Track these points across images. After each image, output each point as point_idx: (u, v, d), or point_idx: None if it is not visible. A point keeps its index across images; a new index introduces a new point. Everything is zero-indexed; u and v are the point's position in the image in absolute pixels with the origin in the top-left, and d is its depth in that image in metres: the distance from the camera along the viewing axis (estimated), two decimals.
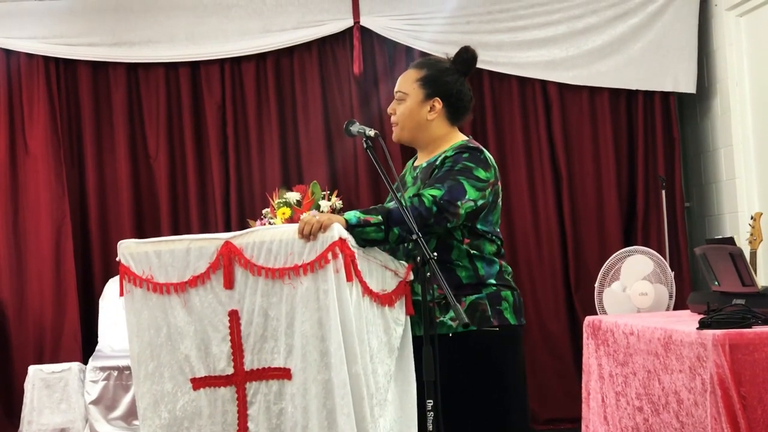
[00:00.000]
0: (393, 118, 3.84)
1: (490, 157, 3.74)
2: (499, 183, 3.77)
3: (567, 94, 8.00)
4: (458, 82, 3.83)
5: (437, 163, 3.72)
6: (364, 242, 3.38)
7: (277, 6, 7.83)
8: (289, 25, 7.83)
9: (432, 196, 3.51)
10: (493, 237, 3.72)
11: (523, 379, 3.80)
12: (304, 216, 3.26)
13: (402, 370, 3.47)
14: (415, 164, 3.91)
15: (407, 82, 3.81)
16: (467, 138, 3.84)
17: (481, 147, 3.75)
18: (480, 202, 3.61)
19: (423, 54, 7.75)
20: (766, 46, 7.08)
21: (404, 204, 3.37)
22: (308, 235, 3.18)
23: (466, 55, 3.86)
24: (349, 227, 3.32)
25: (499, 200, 3.77)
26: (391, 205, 3.51)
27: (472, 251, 3.65)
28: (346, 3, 7.81)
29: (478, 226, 3.67)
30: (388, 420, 3.35)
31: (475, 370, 3.58)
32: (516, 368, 3.75)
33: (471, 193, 3.57)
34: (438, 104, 3.79)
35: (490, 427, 3.65)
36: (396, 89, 3.84)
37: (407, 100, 3.80)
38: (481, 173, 3.65)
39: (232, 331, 3.18)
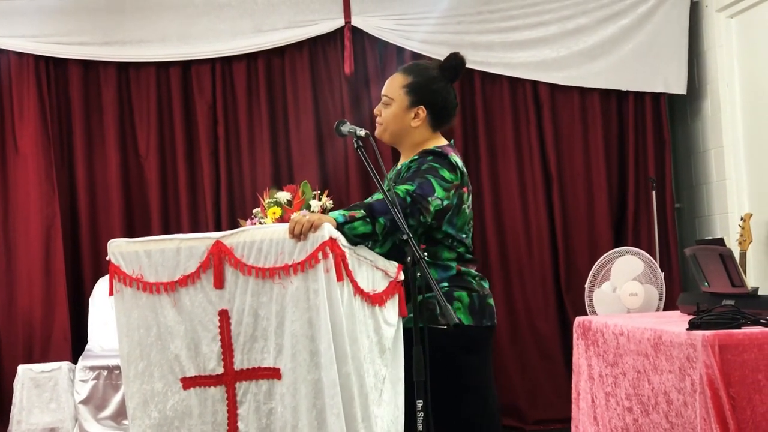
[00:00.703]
0: (378, 119, 3.89)
1: (458, 161, 3.78)
2: (466, 190, 3.79)
3: (558, 95, 8.00)
4: (444, 90, 3.87)
5: (403, 168, 3.79)
6: (355, 238, 3.39)
7: (268, 6, 7.82)
8: (280, 25, 7.82)
9: (405, 189, 3.55)
10: (454, 243, 3.74)
11: (484, 381, 3.76)
12: (295, 215, 3.26)
13: (394, 371, 3.47)
14: (398, 164, 3.95)
15: (394, 88, 3.85)
16: (445, 144, 3.88)
17: (448, 152, 3.78)
18: (446, 203, 3.65)
19: (414, 54, 7.76)
20: (757, 47, 7.10)
21: (391, 200, 3.39)
22: (299, 234, 3.18)
23: (455, 62, 3.88)
24: (338, 226, 3.33)
25: (465, 206, 3.78)
26: (370, 199, 3.56)
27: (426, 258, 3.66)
28: (337, 3, 7.81)
29: (443, 229, 3.71)
30: (386, 420, 3.35)
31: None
32: (473, 369, 3.72)
33: (439, 191, 3.62)
34: (422, 112, 3.84)
35: (450, 425, 3.64)
36: (383, 92, 3.88)
37: (392, 105, 3.84)
38: (446, 174, 3.69)
39: (222, 330, 3.18)
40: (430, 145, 3.83)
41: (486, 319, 3.75)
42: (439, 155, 3.74)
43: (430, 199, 3.57)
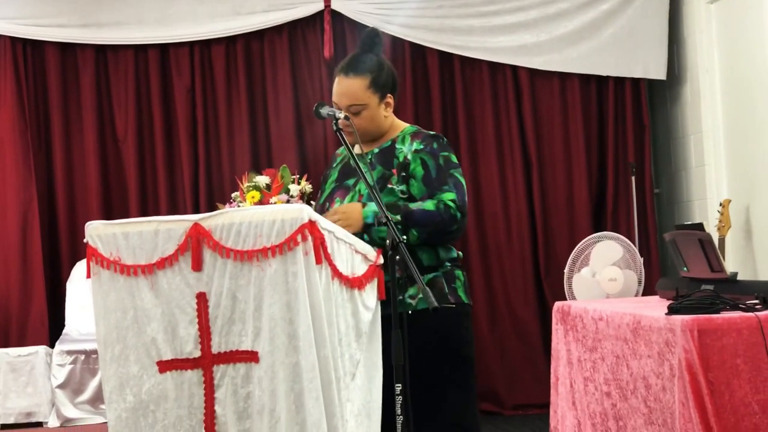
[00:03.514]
0: (348, 129, 3.77)
1: None
2: None
3: (538, 80, 8.00)
4: (390, 67, 3.89)
5: (404, 152, 3.79)
6: (380, 240, 3.51)
7: None
8: (259, 8, 7.79)
9: (452, 201, 3.65)
10: None
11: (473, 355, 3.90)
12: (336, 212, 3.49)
13: (370, 355, 3.46)
14: (359, 151, 3.92)
15: (359, 93, 3.78)
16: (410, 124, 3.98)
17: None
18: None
19: (394, 39, 7.75)
20: (736, 33, 7.10)
21: (372, 184, 3.42)
22: None
23: (377, 38, 3.90)
24: (367, 226, 3.49)
25: None
26: (415, 206, 3.62)
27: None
28: None
29: None
30: (356, 405, 3.33)
31: (435, 346, 3.66)
32: (471, 344, 3.84)
33: (464, 183, 3.74)
34: (391, 100, 3.86)
35: (455, 399, 3.72)
36: (348, 103, 3.77)
37: (366, 110, 3.80)
38: (454, 157, 3.79)
39: (199, 313, 3.15)
40: (398, 126, 3.89)
41: (470, 297, 3.89)
42: (441, 139, 3.83)
43: (466, 198, 3.70)
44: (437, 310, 3.44)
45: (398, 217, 3.52)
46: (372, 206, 3.56)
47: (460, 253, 3.88)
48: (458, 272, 3.80)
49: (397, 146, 3.82)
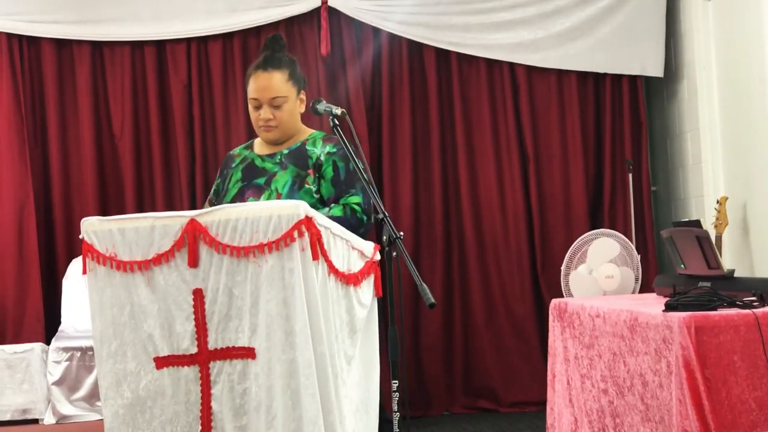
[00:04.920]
0: (272, 123, 3.95)
1: None
2: None
3: (535, 77, 7.99)
4: (299, 67, 4.09)
5: (317, 153, 3.92)
6: None
7: None
8: (256, 5, 7.76)
9: (359, 205, 3.79)
10: None
11: None
12: None
13: (366, 352, 3.45)
14: (266, 152, 4.03)
15: (281, 85, 3.95)
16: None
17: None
18: None
19: (391, 35, 7.74)
20: (733, 30, 7.10)
21: (368, 178, 3.49)
22: None
23: (282, 41, 4.08)
24: None
25: None
26: (323, 212, 3.70)
27: None
28: None
29: None
30: (354, 401, 3.33)
31: None
32: None
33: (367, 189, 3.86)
34: (303, 96, 4.05)
35: None
36: (270, 96, 3.94)
37: (287, 103, 3.96)
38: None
39: (196, 309, 3.15)
40: (305, 129, 4.05)
41: None
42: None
43: (371, 203, 3.77)
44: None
45: None
46: None
47: None
48: None
49: (308, 148, 3.95)
